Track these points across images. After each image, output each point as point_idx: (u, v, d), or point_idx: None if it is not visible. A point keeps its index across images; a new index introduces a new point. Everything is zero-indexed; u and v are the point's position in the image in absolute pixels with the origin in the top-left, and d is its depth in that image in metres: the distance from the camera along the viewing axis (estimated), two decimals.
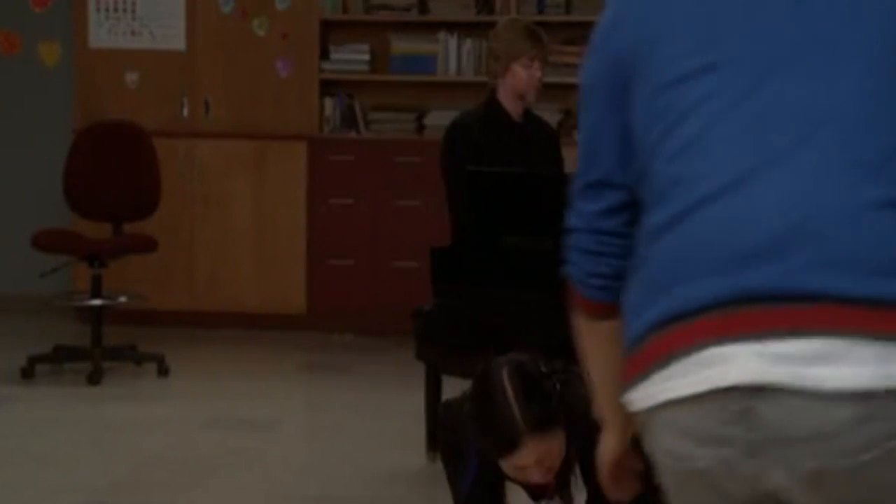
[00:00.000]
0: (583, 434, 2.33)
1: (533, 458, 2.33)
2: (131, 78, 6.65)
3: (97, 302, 5.63)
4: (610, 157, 1.67)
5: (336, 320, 6.48)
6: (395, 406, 4.98)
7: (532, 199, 3.56)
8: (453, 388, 3.31)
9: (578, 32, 6.50)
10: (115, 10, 6.65)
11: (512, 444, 2.32)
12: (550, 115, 5.58)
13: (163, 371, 5.58)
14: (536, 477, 2.38)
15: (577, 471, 2.43)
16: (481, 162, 4.03)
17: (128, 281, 6.17)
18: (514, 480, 2.45)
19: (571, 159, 4.45)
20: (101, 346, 5.54)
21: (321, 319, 6.51)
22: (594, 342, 1.76)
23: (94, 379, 5.40)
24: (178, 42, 6.63)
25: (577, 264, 1.72)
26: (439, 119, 6.33)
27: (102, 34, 6.67)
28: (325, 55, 6.62)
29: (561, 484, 2.42)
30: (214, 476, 4.21)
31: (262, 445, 4.59)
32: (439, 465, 2.90)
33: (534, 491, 2.47)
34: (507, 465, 2.37)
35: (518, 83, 4.24)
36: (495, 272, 3.66)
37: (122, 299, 5.84)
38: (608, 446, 1.88)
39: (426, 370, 4.19)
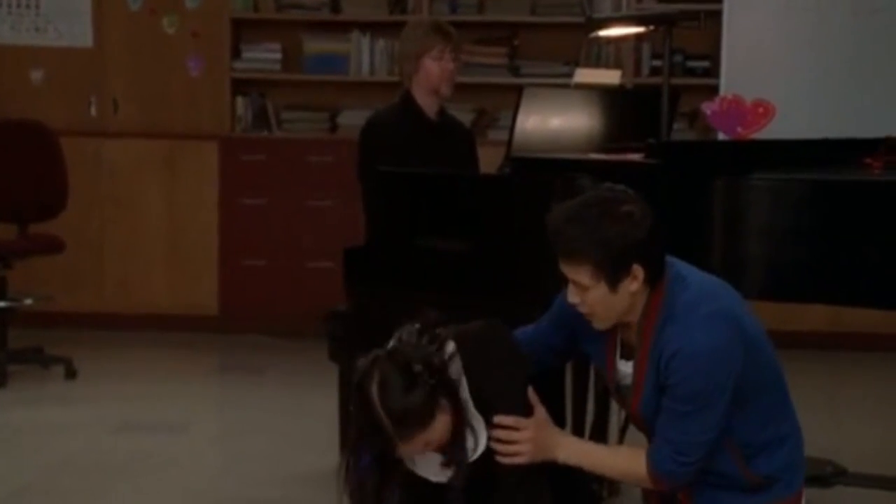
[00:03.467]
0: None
1: (419, 447, 2.48)
2: (36, 75, 6.54)
3: (2, 304, 5.56)
4: None
5: (249, 321, 6.44)
6: (309, 407, 4.97)
7: (446, 199, 3.57)
8: None
9: (491, 32, 6.55)
10: (19, 5, 6.53)
11: (392, 447, 2.48)
12: (464, 115, 5.59)
13: (71, 374, 5.49)
14: (434, 453, 2.50)
15: (472, 415, 2.52)
16: (397, 161, 4.02)
17: (34, 282, 6.06)
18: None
19: (486, 160, 4.48)
20: (6, 348, 5.47)
21: (234, 321, 6.46)
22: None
23: (0, 382, 5.31)
24: (85, 39, 6.53)
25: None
26: (352, 118, 6.32)
27: (5, 30, 6.55)
28: (236, 54, 6.57)
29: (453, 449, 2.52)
30: (126, 480, 4.16)
31: (174, 448, 4.54)
32: None
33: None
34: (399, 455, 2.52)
35: (431, 77, 4.23)
36: (409, 273, 3.66)
37: (28, 301, 5.76)
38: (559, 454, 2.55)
39: (340, 372, 4.18)
